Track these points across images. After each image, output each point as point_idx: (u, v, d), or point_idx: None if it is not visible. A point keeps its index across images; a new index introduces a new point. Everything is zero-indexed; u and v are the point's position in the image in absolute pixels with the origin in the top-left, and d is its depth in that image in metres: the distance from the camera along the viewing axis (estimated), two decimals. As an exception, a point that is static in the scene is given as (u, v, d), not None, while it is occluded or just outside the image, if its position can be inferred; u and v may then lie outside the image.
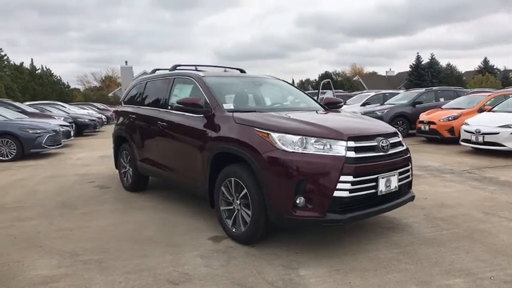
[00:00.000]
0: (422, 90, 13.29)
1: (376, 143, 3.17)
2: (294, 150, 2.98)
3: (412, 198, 3.57)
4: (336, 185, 2.89)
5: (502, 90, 13.28)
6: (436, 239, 3.45)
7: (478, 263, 2.93)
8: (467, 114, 9.78)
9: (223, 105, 3.80)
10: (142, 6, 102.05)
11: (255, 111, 3.79)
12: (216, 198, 3.61)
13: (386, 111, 12.09)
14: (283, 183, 2.96)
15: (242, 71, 5.50)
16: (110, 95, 45.32)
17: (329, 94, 9.18)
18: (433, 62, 45.80)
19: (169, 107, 4.54)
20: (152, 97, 5.04)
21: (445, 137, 10.00)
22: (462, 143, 8.61)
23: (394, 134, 3.47)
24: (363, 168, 3.01)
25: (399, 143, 3.46)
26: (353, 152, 3.00)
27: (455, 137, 9.64)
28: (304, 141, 3.00)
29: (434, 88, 13.64)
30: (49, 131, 9.47)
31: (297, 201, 2.92)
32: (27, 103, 17.67)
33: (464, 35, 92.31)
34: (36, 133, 9.15)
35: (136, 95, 5.54)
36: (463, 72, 47.96)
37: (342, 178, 2.90)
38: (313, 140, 3.01)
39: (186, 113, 4.07)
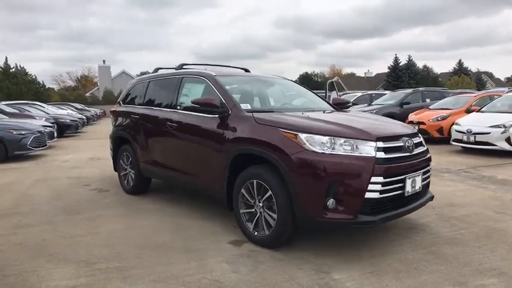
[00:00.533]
0: (410, 90, 13.55)
1: (402, 144, 3.15)
2: (323, 151, 2.91)
3: (432, 198, 3.58)
4: (367, 186, 2.85)
5: (486, 91, 13.69)
6: (457, 238, 3.47)
7: (505, 262, 2.95)
8: (455, 115, 10.02)
9: (241, 105, 3.70)
10: (116, 4, 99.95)
11: (272, 112, 3.71)
12: (235, 200, 3.51)
13: (375, 111, 12.23)
14: (313, 185, 2.89)
15: (246, 70, 5.41)
16: (88, 94, 44.12)
17: (333, 94, 9.20)
18: (410, 64, 47.00)
19: (178, 107, 4.40)
20: (158, 97, 4.88)
21: (435, 137, 10.20)
22: (453, 143, 8.80)
23: (416, 134, 3.47)
24: (392, 169, 2.98)
25: (421, 143, 3.46)
26: (382, 153, 2.97)
27: (444, 137, 9.86)
28: (333, 141, 2.95)
29: (420, 89, 13.92)
30: (34, 132, 9.08)
31: (328, 204, 2.86)
32: (4, 103, 16.94)
33: (438, 38, 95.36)
34: (21, 134, 8.74)
35: (138, 95, 5.35)
36: (438, 73, 49.38)
37: (373, 179, 2.87)
38: (342, 140, 2.95)
39: (199, 113, 3.95)
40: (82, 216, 4.38)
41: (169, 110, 4.48)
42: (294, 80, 5.34)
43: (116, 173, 5.77)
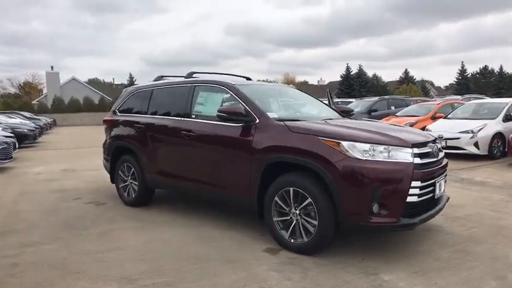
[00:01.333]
0: (376, 98, 14.30)
1: (430, 149, 3.36)
2: (366, 158, 3.03)
3: (448, 199, 3.83)
4: (408, 191, 3.01)
5: (447, 99, 14.75)
6: (473, 236, 3.74)
7: (526, 255, 3.24)
8: (423, 121, 10.71)
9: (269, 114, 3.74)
10: (61, 8, 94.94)
11: (298, 120, 3.78)
12: (268, 209, 3.52)
13: (345, 118, 12.72)
14: (359, 191, 3.00)
15: (248, 78, 5.45)
16: (35, 102, 41.36)
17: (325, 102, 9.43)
18: (360, 73, 49.36)
19: (193, 116, 4.34)
20: (166, 106, 4.76)
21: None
22: (425, 148, 9.38)
23: (436, 140, 3.71)
24: (426, 174, 3.17)
25: (441, 149, 3.70)
26: (418, 158, 3.15)
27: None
28: (374, 149, 3.08)
29: (386, 97, 14.75)
30: (1, 143, 8.40)
31: (373, 208, 2.98)
32: None
33: (381, 48, 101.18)
34: (-14, 146, 8.06)
35: (139, 104, 5.18)
36: (386, 82, 52.26)
37: (413, 184, 3.03)
38: (381, 147, 3.09)
39: (222, 123, 3.93)
40: (91, 231, 4.15)
41: (182, 119, 4.39)
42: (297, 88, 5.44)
43: (109, 184, 5.53)
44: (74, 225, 4.38)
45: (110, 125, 5.55)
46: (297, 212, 3.33)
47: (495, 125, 8.62)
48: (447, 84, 66.06)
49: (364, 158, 3.03)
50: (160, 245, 3.67)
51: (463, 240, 3.62)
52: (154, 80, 5.33)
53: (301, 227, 3.33)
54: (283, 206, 3.42)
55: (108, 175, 5.59)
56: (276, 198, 3.45)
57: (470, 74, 51.74)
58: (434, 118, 10.71)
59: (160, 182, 4.74)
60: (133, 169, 5.04)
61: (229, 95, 4.09)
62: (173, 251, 3.51)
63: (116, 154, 5.34)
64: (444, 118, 9.91)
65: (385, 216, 3.00)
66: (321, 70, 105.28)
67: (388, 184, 2.99)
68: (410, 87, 41.86)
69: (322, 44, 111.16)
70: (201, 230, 4.07)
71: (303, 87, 63.71)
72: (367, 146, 3.08)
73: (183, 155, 4.36)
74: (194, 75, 4.77)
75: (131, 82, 47.19)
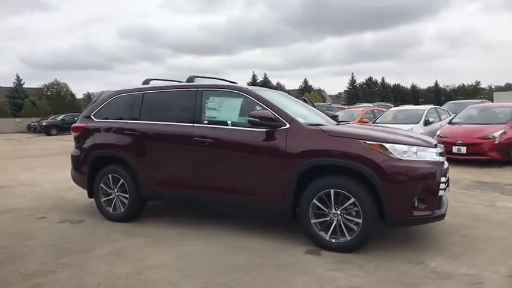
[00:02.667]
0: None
1: (441, 150, 3.85)
2: (406, 158, 3.36)
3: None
4: (439, 185, 3.43)
5: (369, 106, 16.36)
6: (462, 223, 4.35)
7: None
8: (352, 126, 11.77)
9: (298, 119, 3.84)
10: None
11: (322, 125, 3.95)
12: (304, 212, 3.61)
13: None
14: (403, 188, 3.31)
15: (234, 83, 5.41)
16: None
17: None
18: (266, 81, 51.72)
19: (205, 122, 4.19)
20: (165, 111, 4.49)
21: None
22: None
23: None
24: (445, 171, 3.64)
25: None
26: (440, 157, 3.60)
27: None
28: (410, 150, 3.43)
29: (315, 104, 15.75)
30: None
31: (414, 203, 3.31)
32: None
33: (277, 58, 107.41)
34: None
35: (124, 109, 4.76)
36: (288, 90, 55.69)
37: (442, 179, 3.46)
38: (415, 148, 3.46)
39: (244, 128, 3.92)
40: (98, 252, 3.69)
41: (193, 124, 4.20)
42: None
43: (69, 199, 4.95)
44: (70, 247, 3.84)
45: (84, 132, 4.97)
46: (338, 212, 3.50)
47: (418, 129, 9.97)
48: (337, 93, 73.24)
49: (404, 158, 3.36)
50: (194, 259, 3.46)
51: (458, 228, 4.20)
52: (143, 84, 4.96)
53: (343, 227, 3.50)
54: (322, 207, 3.55)
55: (59, 187, 4.99)
56: (315, 201, 3.56)
57: (358, 85, 58.25)
58: (360, 123, 11.89)
59: (162, 193, 4.44)
60: (122, 180, 4.60)
61: (248, 99, 4.07)
62: (213, 263, 3.35)
63: (95, 165, 4.81)
64: (373, 123, 11.09)
65: (424, 210, 3.37)
66: (220, 77, 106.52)
67: (425, 180, 3.36)
68: (315, 95, 45.32)
69: (220, 52, 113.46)
70: (224, 240, 3.94)
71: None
72: (405, 148, 3.41)
73: (195, 162, 4.17)
74: (196, 79, 4.60)
75: (18, 84, 41.64)
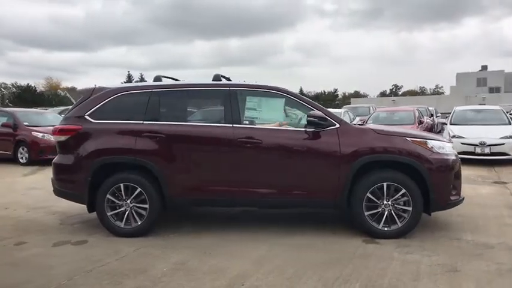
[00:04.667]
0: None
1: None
2: (442, 152, 3.98)
3: None
4: (461, 173, 4.16)
5: None
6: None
7: None
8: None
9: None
10: None
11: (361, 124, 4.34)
12: (358, 205, 3.90)
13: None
14: (445, 177, 3.93)
15: (228, 79, 5.18)
16: None
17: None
18: (143, 80, 49.30)
19: (246, 122, 4.09)
20: (191, 111, 4.18)
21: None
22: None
23: None
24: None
25: None
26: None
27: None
28: (442, 145, 4.07)
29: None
30: None
31: (451, 190, 3.96)
32: None
33: (142, 58, 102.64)
34: None
35: (134, 108, 4.25)
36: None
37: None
38: (444, 144, 4.12)
39: (290, 128, 4.02)
40: (157, 271, 3.27)
41: (233, 125, 4.04)
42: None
43: (31, 218, 4.24)
44: (115, 269, 3.28)
45: (78, 135, 4.21)
46: (390, 203, 3.90)
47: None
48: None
49: (441, 152, 3.97)
50: (276, 261, 3.41)
51: (462, 211, 4.81)
52: (154, 81, 4.46)
53: (394, 215, 3.90)
54: (374, 199, 3.90)
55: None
56: (368, 194, 3.89)
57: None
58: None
59: (195, 199, 4.13)
60: (139, 189, 4.09)
61: (291, 100, 4.20)
62: (299, 262, 3.39)
63: (99, 174, 4.13)
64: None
65: (456, 195, 4.04)
66: (78, 76, 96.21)
67: (455, 170, 4.03)
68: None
69: (76, 48, 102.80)
70: (282, 241, 3.92)
71: (73, 93, 57.26)
72: (439, 143, 4.03)
73: (239, 164, 4.02)
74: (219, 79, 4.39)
75: None
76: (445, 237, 3.93)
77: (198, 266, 3.35)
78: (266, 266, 3.31)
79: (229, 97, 4.16)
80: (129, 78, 47.96)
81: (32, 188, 6.92)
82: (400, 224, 3.90)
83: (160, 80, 4.49)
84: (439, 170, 3.91)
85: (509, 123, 9.37)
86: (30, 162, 9.75)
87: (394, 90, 66.63)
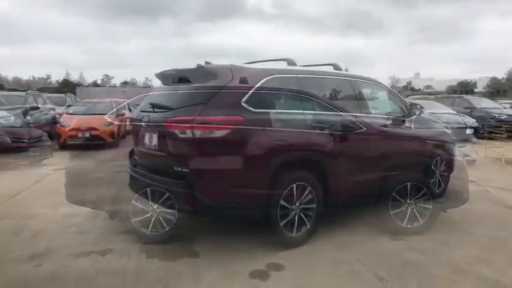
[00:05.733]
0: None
1: None
2: (453, 153, 4.45)
3: None
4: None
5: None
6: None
7: None
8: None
9: None
10: None
11: None
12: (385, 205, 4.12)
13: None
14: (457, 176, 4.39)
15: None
16: None
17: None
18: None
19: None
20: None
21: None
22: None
23: None
24: None
25: None
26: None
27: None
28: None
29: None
30: None
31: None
32: None
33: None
34: None
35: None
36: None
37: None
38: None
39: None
40: (208, 278, 3.17)
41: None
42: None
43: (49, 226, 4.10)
44: (166, 277, 3.15)
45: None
46: (412, 201, 4.17)
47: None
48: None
49: (453, 153, 4.45)
50: (339, 264, 3.49)
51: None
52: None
53: (416, 214, 4.17)
54: (399, 199, 4.13)
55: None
56: (394, 194, 4.12)
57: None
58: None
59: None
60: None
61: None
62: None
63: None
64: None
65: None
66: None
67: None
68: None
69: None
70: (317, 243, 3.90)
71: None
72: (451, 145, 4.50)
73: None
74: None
75: None
76: (459, 231, 4.23)
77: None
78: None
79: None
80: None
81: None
82: (421, 221, 4.19)
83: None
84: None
85: None
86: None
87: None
